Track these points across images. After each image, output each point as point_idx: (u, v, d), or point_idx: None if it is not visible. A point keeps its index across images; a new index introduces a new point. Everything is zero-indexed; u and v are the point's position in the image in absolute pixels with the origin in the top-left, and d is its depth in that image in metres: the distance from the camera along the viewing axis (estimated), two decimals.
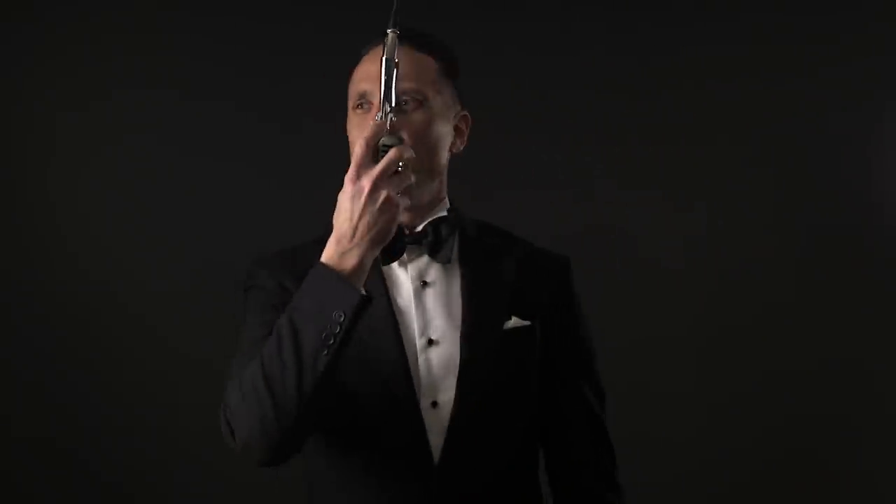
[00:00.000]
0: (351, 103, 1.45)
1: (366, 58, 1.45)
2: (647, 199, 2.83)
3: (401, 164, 1.24)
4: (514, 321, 1.41)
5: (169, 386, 2.71)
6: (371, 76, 1.38)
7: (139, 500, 2.71)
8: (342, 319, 1.21)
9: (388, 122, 1.27)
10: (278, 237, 2.68)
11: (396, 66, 1.27)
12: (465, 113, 1.49)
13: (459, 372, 1.36)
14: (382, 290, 1.40)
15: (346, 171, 1.32)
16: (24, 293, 2.68)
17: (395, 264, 1.42)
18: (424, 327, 1.39)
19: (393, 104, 1.28)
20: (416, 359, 1.38)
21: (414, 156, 1.27)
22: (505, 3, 2.79)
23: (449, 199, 1.49)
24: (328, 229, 1.27)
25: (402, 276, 1.42)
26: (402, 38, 1.34)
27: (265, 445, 1.25)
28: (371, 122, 1.27)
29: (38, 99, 2.69)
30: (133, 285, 2.72)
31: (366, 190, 1.22)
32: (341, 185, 1.24)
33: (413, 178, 1.27)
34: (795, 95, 2.81)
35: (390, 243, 1.31)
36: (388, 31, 1.28)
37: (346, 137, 1.47)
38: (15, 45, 2.68)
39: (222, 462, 2.68)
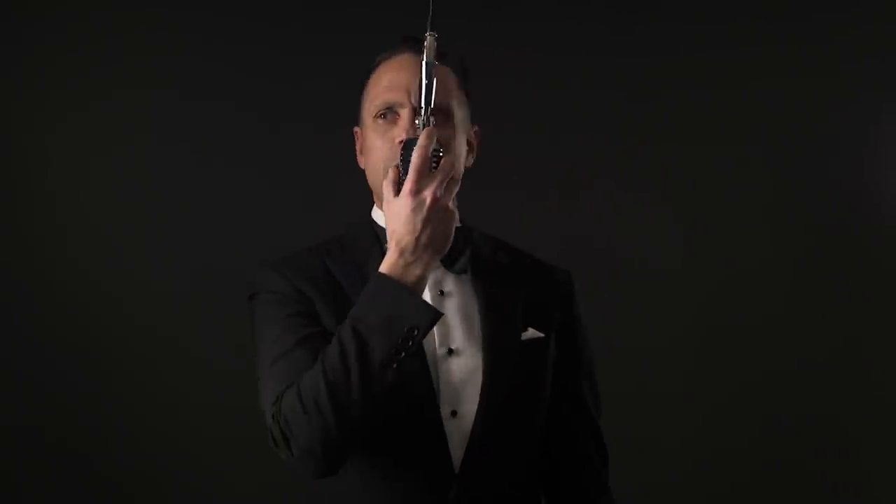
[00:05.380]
0: (373, 112, 1.42)
1: (388, 65, 1.44)
2: (645, 199, 2.83)
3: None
4: (530, 332, 1.43)
5: (169, 386, 2.71)
6: (399, 85, 1.38)
7: (139, 501, 2.72)
8: (416, 334, 1.22)
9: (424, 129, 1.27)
10: (279, 238, 2.71)
11: (436, 70, 1.27)
12: (477, 127, 1.50)
13: (483, 382, 1.37)
14: None
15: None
16: (24, 294, 2.67)
17: None
18: (444, 337, 1.40)
19: (433, 108, 1.27)
20: (437, 368, 1.38)
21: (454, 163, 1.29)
22: (504, 3, 2.80)
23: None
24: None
25: None
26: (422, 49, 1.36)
27: (326, 456, 1.27)
28: (421, 131, 1.26)
29: (38, 100, 2.69)
30: (133, 285, 2.71)
31: (428, 201, 1.23)
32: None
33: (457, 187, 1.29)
34: (795, 96, 2.82)
35: None
36: (428, 34, 1.27)
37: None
38: (16, 46, 2.68)
39: (223, 462, 2.70)
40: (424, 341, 1.36)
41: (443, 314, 1.26)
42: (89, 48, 2.71)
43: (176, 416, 2.70)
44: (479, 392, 1.37)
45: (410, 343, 1.22)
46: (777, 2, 2.83)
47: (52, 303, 2.68)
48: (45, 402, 2.65)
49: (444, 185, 1.24)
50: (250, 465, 2.67)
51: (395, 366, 1.22)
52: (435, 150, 1.26)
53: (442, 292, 1.42)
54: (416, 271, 1.24)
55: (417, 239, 1.23)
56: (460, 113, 1.43)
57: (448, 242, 1.26)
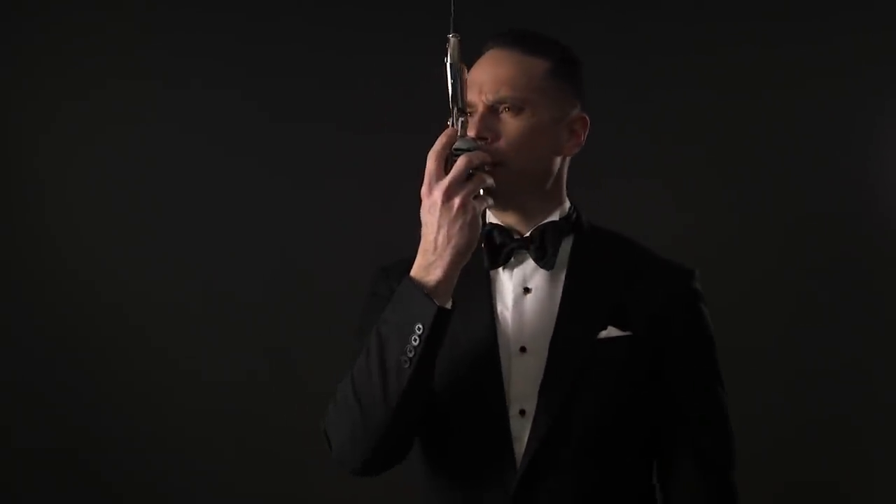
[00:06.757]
0: None
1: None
2: (648, 198, 2.82)
3: (472, 169, 1.26)
4: (609, 331, 1.37)
5: (164, 387, 2.70)
6: (471, 84, 1.36)
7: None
8: (421, 332, 1.23)
9: (460, 128, 1.29)
10: (278, 239, 2.72)
11: (462, 70, 1.29)
12: (584, 115, 1.44)
13: (542, 381, 1.35)
14: (487, 295, 1.39)
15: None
16: (19, 295, 2.66)
17: (501, 269, 1.40)
18: (519, 334, 1.38)
19: (461, 108, 1.30)
20: (510, 366, 1.37)
21: (489, 158, 1.29)
22: (510, 4, 2.79)
23: (571, 205, 1.45)
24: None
25: (507, 282, 1.40)
26: (509, 42, 1.37)
27: (356, 457, 1.32)
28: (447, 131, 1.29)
29: (32, 99, 2.68)
30: (128, 287, 2.70)
31: (438, 202, 1.24)
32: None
33: (489, 180, 1.28)
34: (795, 97, 2.82)
35: (497, 247, 1.37)
36: (450, 36, 1.28)
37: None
38: (13, 41, 2.66)
39: (221, 464, 2.69)
40: (501, 338, 1.37)
41: (451, 312, 1.26)
42: (85, 45, 2.69)
43: (174, 419, 2.69)
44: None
45: (418, 342, 1.23)
46: (778, 4, 2.83)
47: (45, 304, 2.67)
48: (43, 402, 2.64)
49: (459, 183, 1.24)
50: (249, 468, 2.68)
51: (408, 366, 1.24)
52: (457, 149, 1.27)
53: (527, 289, 1.39)
54: (436, 272, 1.25)
55: (435, 239, 1.25)
56: (543, 104, 1.38)
57: (473, 239, 1.25)
